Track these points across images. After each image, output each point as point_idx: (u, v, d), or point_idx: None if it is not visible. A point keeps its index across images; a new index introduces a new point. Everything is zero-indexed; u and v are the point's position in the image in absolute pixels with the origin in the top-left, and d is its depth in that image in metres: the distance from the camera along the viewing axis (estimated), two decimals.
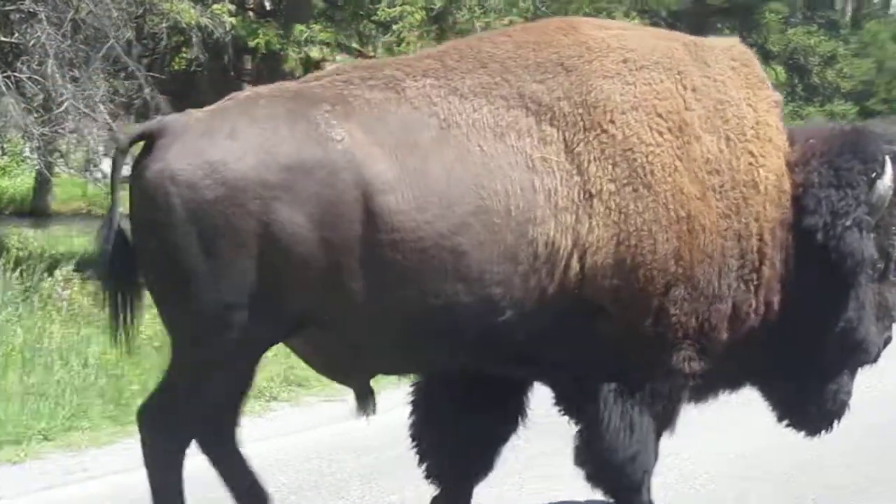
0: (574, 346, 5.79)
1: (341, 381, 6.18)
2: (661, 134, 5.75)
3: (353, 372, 5.98)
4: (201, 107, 5.75)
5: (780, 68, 23.59)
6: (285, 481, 8.06)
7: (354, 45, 17.15)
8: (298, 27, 15.51)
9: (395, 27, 15.40)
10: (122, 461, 8.48)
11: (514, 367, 6.00)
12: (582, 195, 5.61)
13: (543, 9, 16.73)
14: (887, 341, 6.48)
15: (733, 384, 6.42)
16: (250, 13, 16.37)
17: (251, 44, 15.36)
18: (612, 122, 5.71)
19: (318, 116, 5.54)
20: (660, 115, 5.77)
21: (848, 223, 5.88)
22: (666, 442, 6.23)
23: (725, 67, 6.05)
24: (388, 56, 14.73)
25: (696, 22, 18.81)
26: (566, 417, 6.15)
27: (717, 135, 5.88)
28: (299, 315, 5.53)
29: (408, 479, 7.22)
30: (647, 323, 5.76)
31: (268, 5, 17.35)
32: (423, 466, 6.43)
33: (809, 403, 6.36)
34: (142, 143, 5.64)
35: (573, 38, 5.91)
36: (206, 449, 6.06)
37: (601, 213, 5.61)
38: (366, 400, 5.99)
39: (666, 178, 5.70)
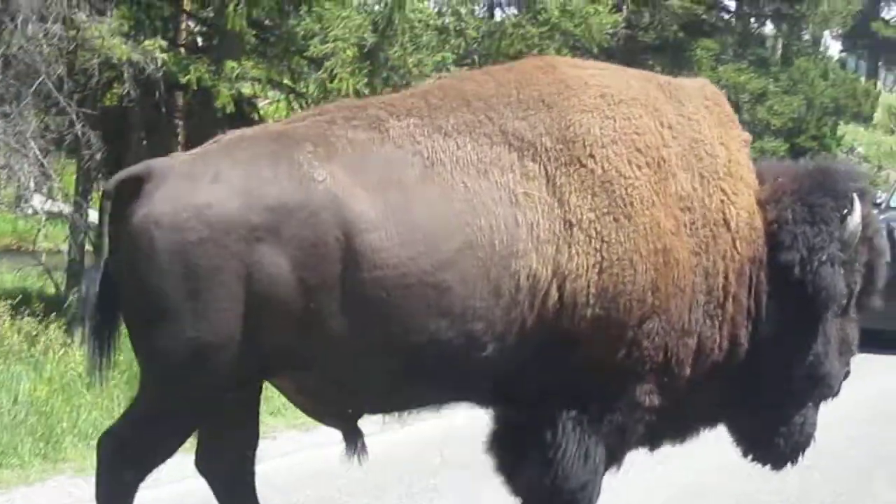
0: (553, 378, 5.84)
1: (328, 423, 6.15)
2: (639, 168, 5.85)
3: (338, 412, 5.97)
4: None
5: None
6: None
7: (286, 81, 17.03)
8: (230, 63, 15.34)
9: (327, 64, 15.30)
10: (53, 498, 8.43)
11: (495, 400, 6.03)
12: (562, 226, 5.68)
13: (475, 46, 16.78)
14: (846, 375, 6.63)
15: (710, 420, 6.49)
16: (182, 49, 16.20)
17: (183, 80, 15.18)
18: (591, 155, 5.80)
19: (301, 157, 5.55)
20: (639, 150, 5.87)
21: (823, 258, 6.01)
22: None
23: (699, 106, 6.19)
24: (320, 92, 14.69)
25: (628, 59, 18.96)
26: None
27: (691, 172, 6.00)
28: (281, 354, 5.51)
29: None
30: (620, 355, 5.82)
31: (200, 41, 17.19)
32: None
33: (776, 436, 6.44)
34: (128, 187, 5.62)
35: (552, 77, 6.00)
36: (219, 495, 6.06)
37: (581, 241, 5.69)
38: (354, 442, 5.98)
39: (644, 211, 5.79)
